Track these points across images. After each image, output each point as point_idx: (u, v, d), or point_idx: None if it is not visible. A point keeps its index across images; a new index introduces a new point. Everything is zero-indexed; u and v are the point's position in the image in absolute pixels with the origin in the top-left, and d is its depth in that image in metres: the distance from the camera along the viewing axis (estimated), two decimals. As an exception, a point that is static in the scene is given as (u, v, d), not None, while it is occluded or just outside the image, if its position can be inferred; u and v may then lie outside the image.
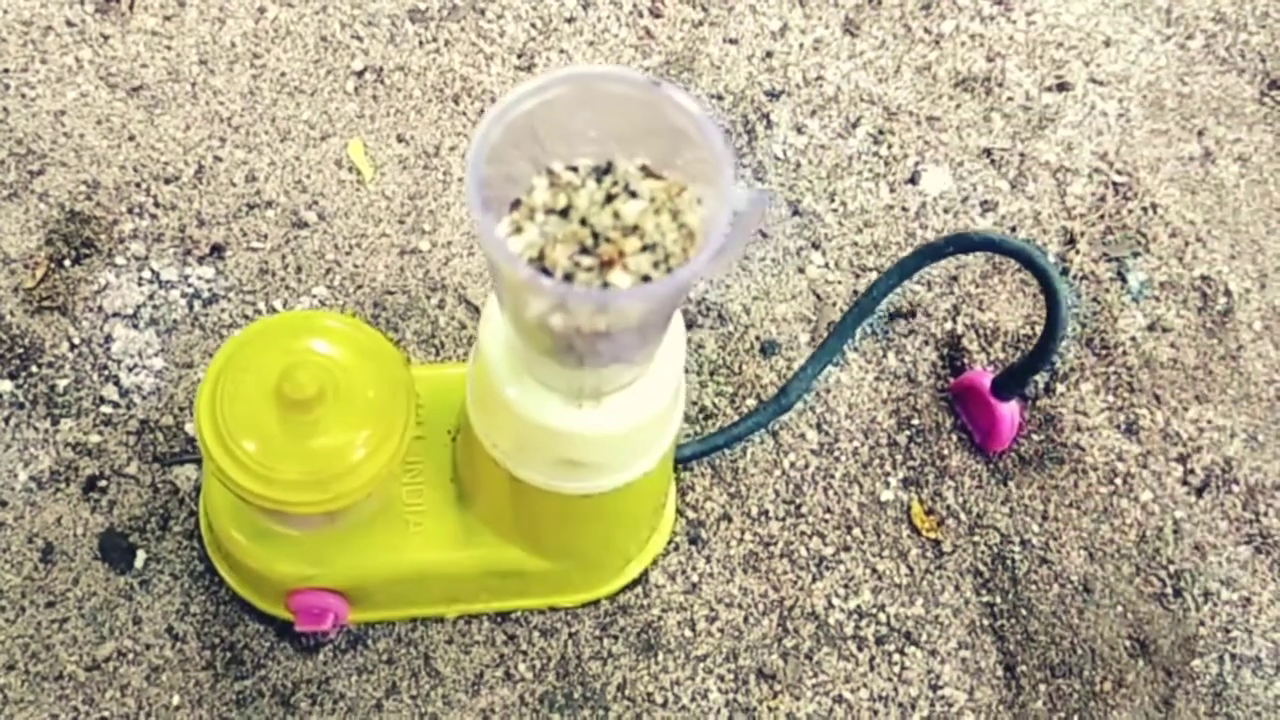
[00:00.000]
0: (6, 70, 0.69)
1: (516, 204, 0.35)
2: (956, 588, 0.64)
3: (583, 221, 0.33)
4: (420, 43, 0.73)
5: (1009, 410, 0.66)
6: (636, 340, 0.38)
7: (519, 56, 0.73)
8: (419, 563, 0.57)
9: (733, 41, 0.75)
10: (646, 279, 0.33)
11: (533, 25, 0.74)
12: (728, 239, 0.32)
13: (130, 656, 0.59)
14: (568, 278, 0.33)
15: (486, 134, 0.32)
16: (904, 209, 0.71)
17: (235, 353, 0.52)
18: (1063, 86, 0.76)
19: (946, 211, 0.72)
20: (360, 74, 0.71)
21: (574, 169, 0.34)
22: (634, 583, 0.63)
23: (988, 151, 0.74)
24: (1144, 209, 0.73)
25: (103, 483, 0.62)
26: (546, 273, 0.33)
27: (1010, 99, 0.76)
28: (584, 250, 0.33)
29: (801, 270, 0.70)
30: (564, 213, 0.33)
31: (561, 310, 0.34)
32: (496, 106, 0.32)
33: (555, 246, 0.33)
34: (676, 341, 0.47)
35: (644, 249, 0.33)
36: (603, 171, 0.34)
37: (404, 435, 0.52)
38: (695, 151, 0.33)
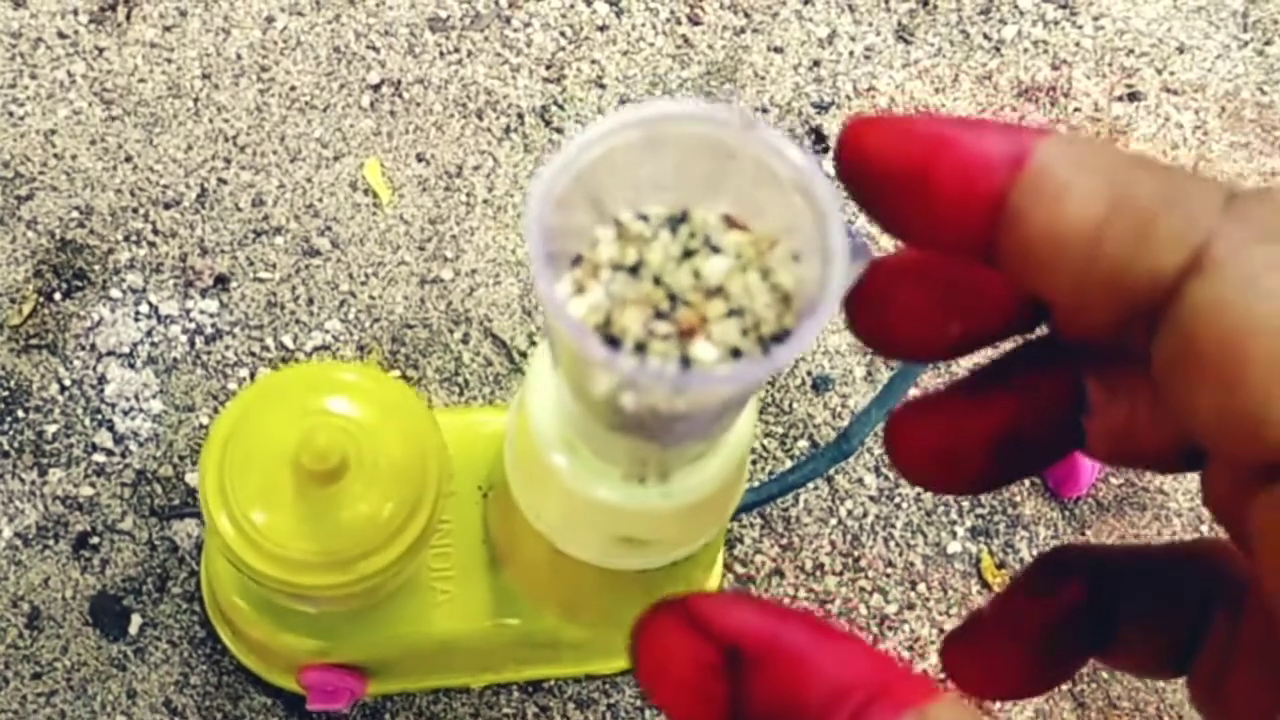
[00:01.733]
0: (-7, 86, 0.63)
1: (578, 260, 0.28)
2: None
3: (656, 281, 0.27)
4: (441, 54, 0.66)
5: (1089, 463, 0.59)
6: (719, 418, 0.31)
7: (547, 68, 0.66)
8: (446, 634, 0.50)
9: (778, 50, 0.68)
10: (736, 352, 0.27)
11: (562, 34, 0.67)
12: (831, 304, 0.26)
13: (124, 734, 0.52)
14: (639, 347, 0.26)
15: (551, 185, 0.26)
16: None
17: (244, 414, 0.45)
18: (1134, 96, 0.69)
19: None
20: (376, 88, 0.65)
21: (644, 218, 0.28)
22: (679, 646, 0.56)
23: (1056, 168, 0.67)
24: (1224, 229, 0.66)
25: (95, 540, 0.55)
26: (614, 340, 0.26)
27: (1078, 109, 0.69)
28: (659, 315, 0.27)
29: (857, 299, 0.63)
30: (633, 269, 0.27)
31: (634, 388, 0.27)
32: (563, 153, 0.26)
33: (625, 310, 0.27)
34: (751, 402, 0.40)
35: (730, 314, 0.27)
36: (678, 221, 0.27)
37: (436, 504, 0.45)
38: (789, 198, 0.26)
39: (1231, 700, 0.24)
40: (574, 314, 0.27)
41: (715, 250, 0.28)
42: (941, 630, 0.57)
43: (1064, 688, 0.56)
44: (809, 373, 0.61)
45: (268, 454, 0.44)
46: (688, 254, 0.28)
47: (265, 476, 0.43)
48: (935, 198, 0.22)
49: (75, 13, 0.65)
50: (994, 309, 0.24)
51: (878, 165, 0.22)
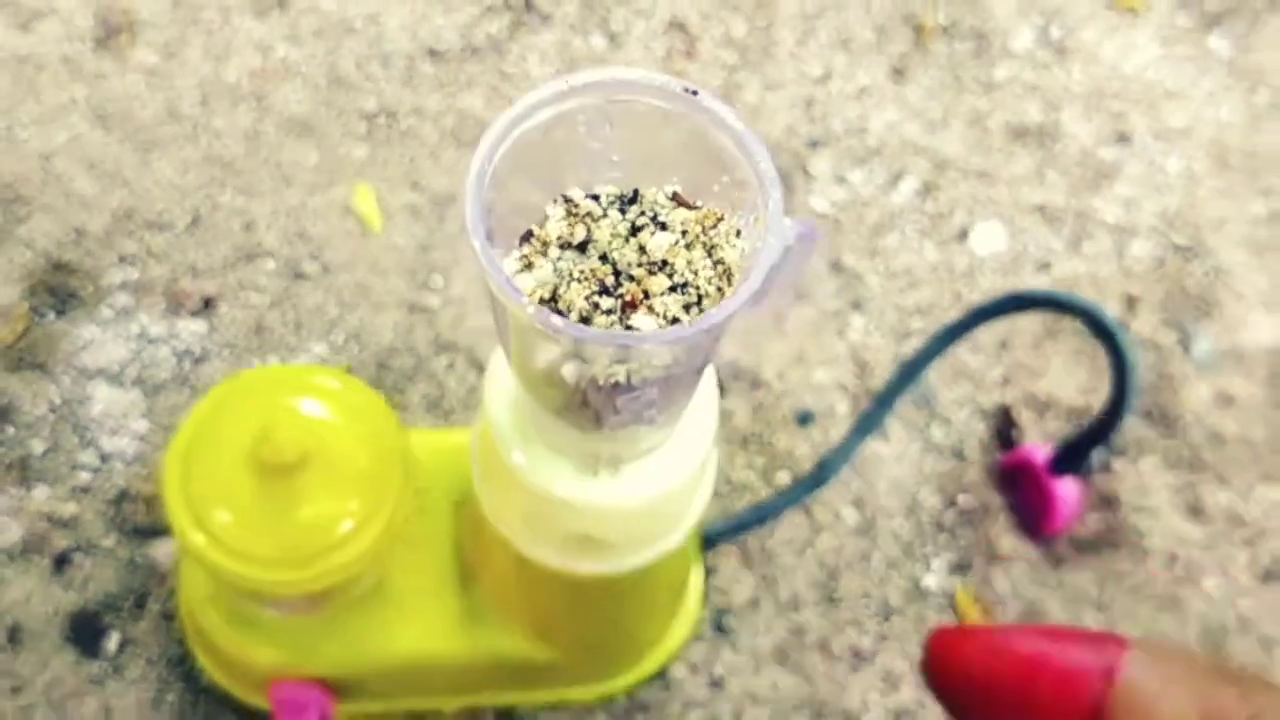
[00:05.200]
0: (-2, 108, 0.62)
1: (527, 236, 0.27)
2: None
3: (603, 257, 0.27)
4: (438, 84, 0.65)
5: (1066, 489, 0.57)
6: (661, 397, 0.30)
7: (542, 100, 0.65)
8: (415, 652, 0.49)
9: (771, 87, 0.67)
10: (676, 323, 0.26)
11: (558, 68, 0.66)
12: (771, 279, 0.26)
13: (98, 751, 0.50)
14: (584, 320, 0.25)
15: (492, 148, 0.26)
16: (952, 269, 0.63)
17: (210, 412, 0.43)
18: (1122, 139, 0.67)
19: (997, 271, 0.63)
20: (372, 116, 0.63)
21: (595, 197, 0.28)
22: (653, 676, 0.54)
23: (1042, 208, 0.65)
24: (1207, 272, 0.64)
25: (77, 556, 0.53)
26: (560, 315, 0.25)
27: (1066, 152, 0.67)
28: (604, 290, 0.27)
29: (841, 333, 0.61)
30: (582, 247, 0.27)
31: (575, 358, 0.27)
32: (503, 117, 0.26)
33: (570, 285, 0.27)
34: (708, 403, 0.39)
35: (673, 289, 0.27)
36: (628, 200, 0.26)
37: (397, 507, 0.43)
38: (735, 175, 0.25)
39: None
40: (520, 286, 0.26)
41: (662, 226, 0.27)
42: (915, 662, 0.55)
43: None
44: (793, 407, 0.59)
45: (231, 450, 0.42)
46: (635, 230, 0.27)
47: (228, 472, 0.42)
48: (1037, 711, 0.23)
49: (82, 38, 0.64)
50: None
51: (979, 682, 0.23)
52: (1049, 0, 0.71)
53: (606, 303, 0.27)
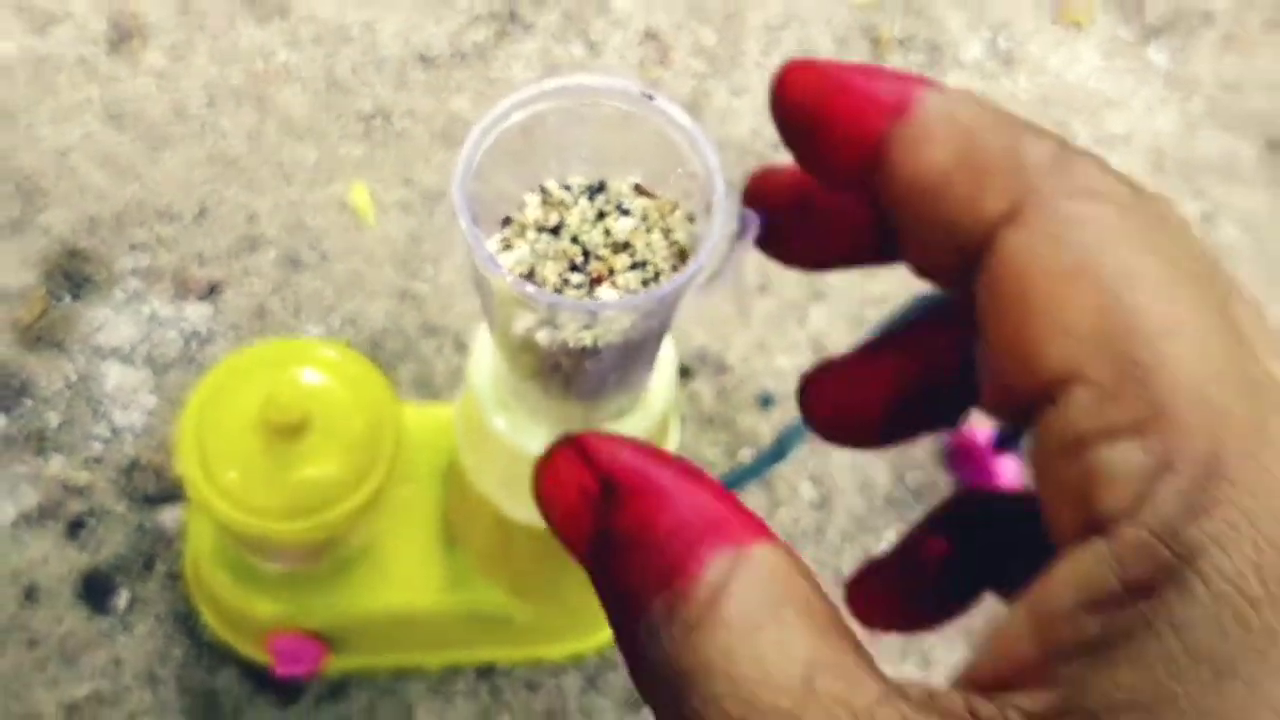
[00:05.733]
0: (15, 108, 0.66)
1: (507, 221, 0.31)
2: (950, 648, 0.59)
3: (574, 239, 0.31)
4: (429, 88, 0.69)
5: (1006, 467, 0.61)
6: (625, 361, 0.35)
7: (525, 104, 0.69)
8: (402, 607, 0.53)
9: (738, 93, 0.71)
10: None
11: (539, 74, 0.70)
12: (720, 259, 0.29)
13: (108, 699, 0.54)
14: (557, 293, 0.30)
15: (476, 144, 0.29)
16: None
17: (221, 379, 0.48)
18: (1065, 145, 0.72)
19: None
20: (369, 117, 0.68)
21: (567, 187, 0.31)
22: (623, 635, 0.58)
23: (989, 208, 0.70)
24: (1145, 269, 0.69)
25: (89, 521, 0.57)
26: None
27: (1013, 157, 0.71)
28: (574, 268, 0.30)
29: (801, 322, 0.65)
30: (555, 230, 0.31)
31: (549, 325, 0.31)
32: (486, 117, 0.29)
33: (545, 263, 0.30)
34: (666, 379, 0.43)
35: (634, 266, 0.30)
36: (595, 190, 0.31)
37: (389, 466, 0.47)
38: (688, 168, 0.30)
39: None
40: (494, 256, 0.31)
41: (625, 213, 0.31)
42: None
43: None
44: (755, 392, 0.64)
45: (241, 414, 0.46)
46: (601, 216, 0.31)
47: (237, 435, 0.46)
48: (829, 135, 0.23)
49: (96, 41, 0.68)
50: (860, 240, 0.27)
51: (792, 101, 0.24)
52: (998, 14, 0.75)
53: (576, 278, 0.31)
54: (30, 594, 0.56)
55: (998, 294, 0.21)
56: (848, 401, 0.29)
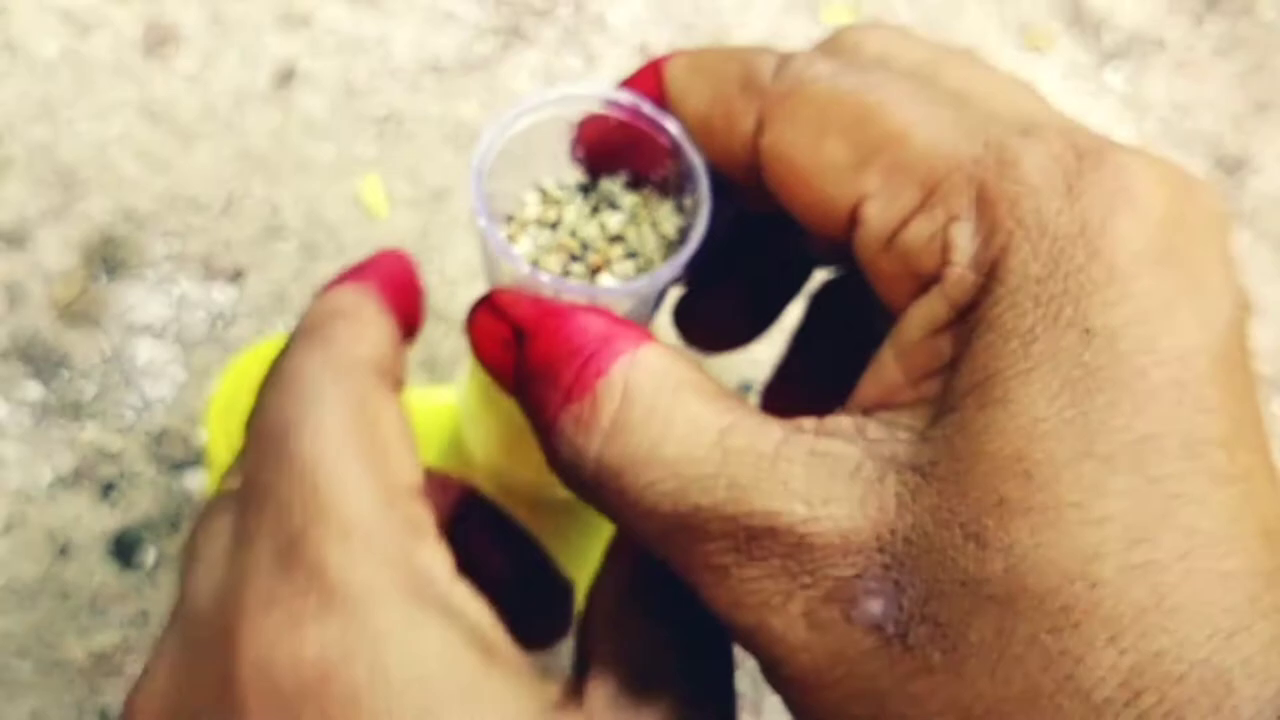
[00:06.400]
0: (58, 104, 0.71)
1: (508, 219, 0.36)
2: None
3: (572, 233, 0.34)
4: (439, 94, 0.74)
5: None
6: None
7: (528, 112, 0.74)
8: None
9: (724, 106, 0.76)
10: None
11: (542, 83, 0.75)
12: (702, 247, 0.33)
13: (135, 648, 0.59)
14: (563, 279, 0.34)
15: (487, 149, 0.33)
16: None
17: (247, 365, 0.52)
18: (1027, 159, 0.77)
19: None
20: (381, 120, 0.73)
21: (564, 186, 0.35)
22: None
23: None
24: (1099, 275, 0.74)
25: (121, 484, 0.62)
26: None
27: (978, 169, 0.76)
28: (574, 258, 0.34)
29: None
30: (554, 226, 0.34)
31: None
32: (497, 122, 0.33)
33: (549, 255, 0.33)
34: None
35: (627, 256, 0.34)
36: (588, 188, 0.36)
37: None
38: (673, 167, 0.34)
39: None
40: (509, 248, 0.35)
41: (616, 208, 0.35)
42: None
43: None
44: (735, 379, 0.69)
45: None
46: (595, 211, 0.35)
47: None
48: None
49: (132, 46, 0.73)
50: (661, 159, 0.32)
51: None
52: (966, 37, 0.81)
53: (577, 269, 0.35)
54: (64, 550, 0.61)
55: (779, 177, 0.27)
56: (712, 319, 0.36)
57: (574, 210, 0.34)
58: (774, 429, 0.24)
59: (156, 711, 0.26)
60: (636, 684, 0.27)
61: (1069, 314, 0.22)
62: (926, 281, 0.25)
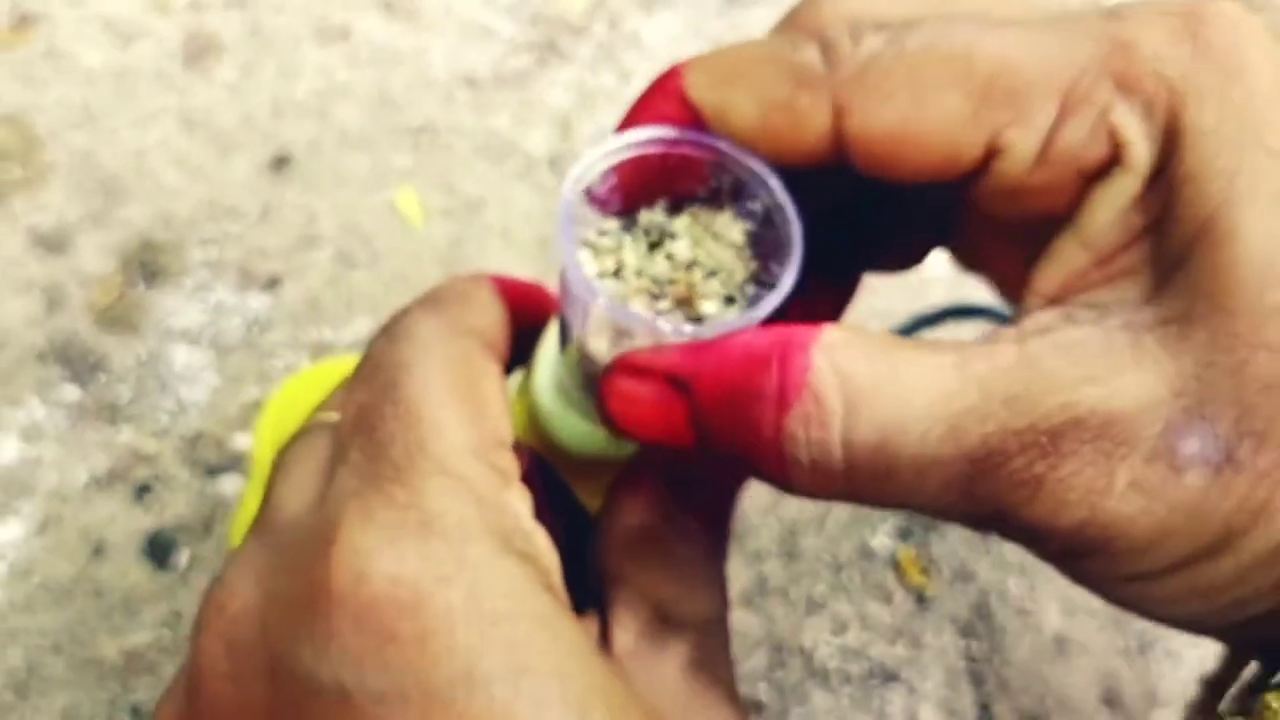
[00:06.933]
0: (99, 113, 0.72)
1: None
2: (937, 633, 0.63)
3: (638, 273, 0.32)
4: (473, 107, 0.75)
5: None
6: None
7: (559, 124, 0.75)
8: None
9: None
10: (729, 299, 0.31)
11: (574, 97, 0.76)
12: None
13: (168, 648, 0.59)
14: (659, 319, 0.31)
15: (574, 186, 0.31)
16: (905, 280, 0.72)
17: (296, 391, 0.53)
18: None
19: (946, 284, 0.72)
20: (417, 131, 0.73)
21: (604, 233, 0.33)
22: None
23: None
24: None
25: (155, 485, 0.62)
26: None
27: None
28: (654, 298, 0.31)
29: (808, 331, 0.70)
30: (616, 274, 0.32)
31: (621, 337, 0.32)
32: (578, 165, 0.31)
33: (631, 303, 0.31)
34: None
35: (709, 275, 0.32)
36: (627, 227, 0.32)
37: None
38: (724, 177, 0.31)
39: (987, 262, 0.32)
40: (602, 288, 0.31)
41: (673, 236, 0.32)
42: (861, 610, 0.64)
43: (963, 666, 0.63)
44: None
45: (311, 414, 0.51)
46: (653, 246, 0.32)
47: None
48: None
49: (172, 56, 0.74)
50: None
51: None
52: None
53: (663, 305, 0.31)
54: (99, 550, 0.61)
55: (879, 152, 0.27)
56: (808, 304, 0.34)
57: (630, 252, 0.32)
58: (992, 346, 0.25)
59: (237, 612, 0.27)
60: (657, 620, 0.28)
61: (1253, 144, 0.23)
62: (1091, 175, 0.26)
